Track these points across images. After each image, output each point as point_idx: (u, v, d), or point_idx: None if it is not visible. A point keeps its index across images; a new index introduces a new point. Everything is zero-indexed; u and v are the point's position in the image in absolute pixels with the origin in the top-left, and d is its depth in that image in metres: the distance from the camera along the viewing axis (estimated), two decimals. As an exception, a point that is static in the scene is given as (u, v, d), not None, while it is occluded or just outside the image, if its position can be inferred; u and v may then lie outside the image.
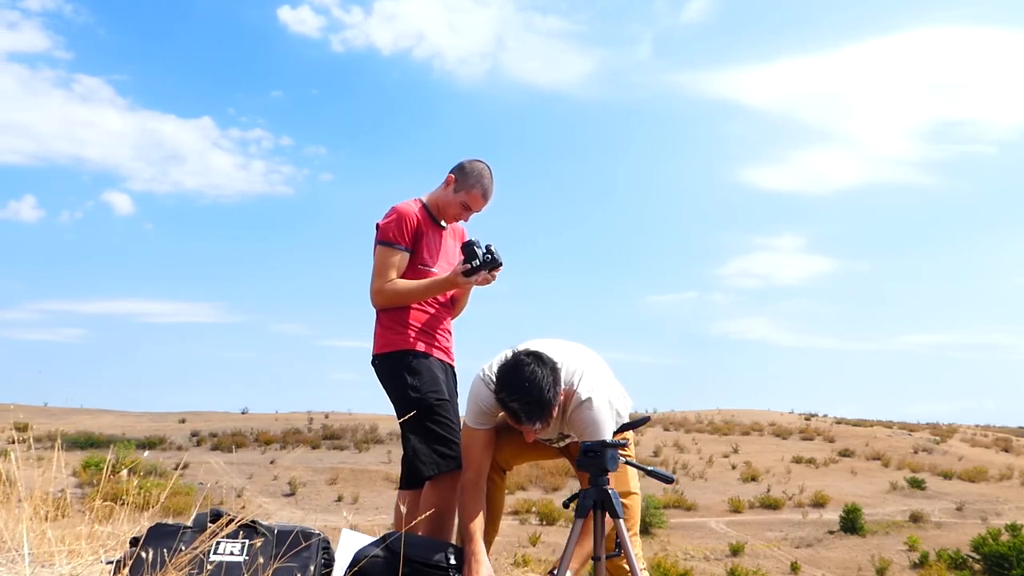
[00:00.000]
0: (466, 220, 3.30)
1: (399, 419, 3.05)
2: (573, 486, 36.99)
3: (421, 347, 3.11)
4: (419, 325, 3.13)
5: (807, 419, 72.20)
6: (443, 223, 3.33)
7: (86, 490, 23.58)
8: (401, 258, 3.11)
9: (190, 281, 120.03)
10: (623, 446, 2.58)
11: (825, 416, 75.91)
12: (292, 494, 36.50)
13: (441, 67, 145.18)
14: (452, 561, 2.65)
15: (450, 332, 3.32)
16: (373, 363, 3.17)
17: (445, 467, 2.97)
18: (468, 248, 3.06)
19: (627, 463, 2.62)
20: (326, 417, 64.76)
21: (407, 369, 3.05)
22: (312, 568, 2.49)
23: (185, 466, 36.55)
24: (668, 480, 2.89)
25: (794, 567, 29.11)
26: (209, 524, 2.50)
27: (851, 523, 35.30)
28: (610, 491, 2.47)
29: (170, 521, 2.70)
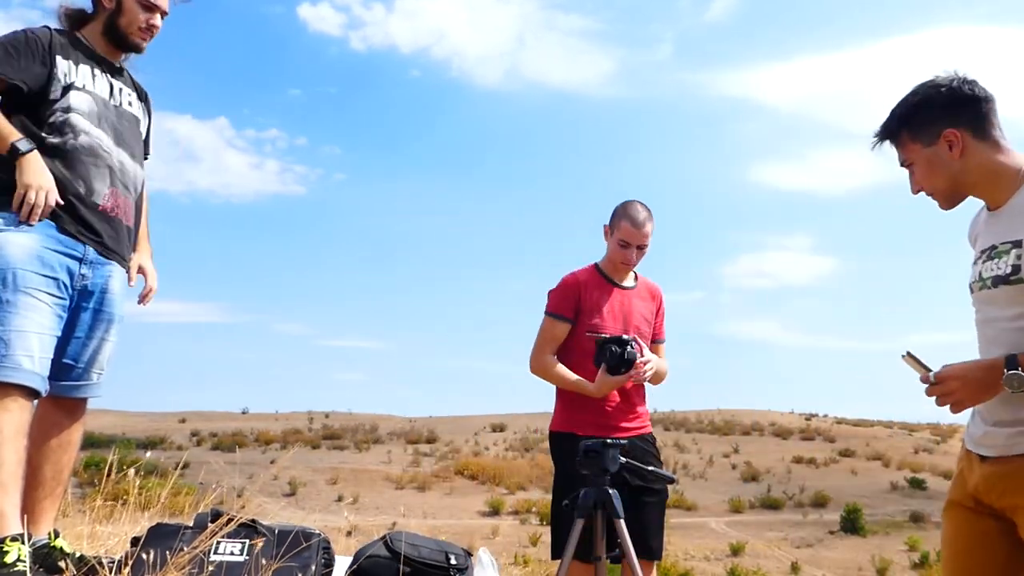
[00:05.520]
0: (634, 259, 3.17)
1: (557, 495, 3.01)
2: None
3: (591, 433, 3.02)
4: (594, 410, 3.10)
5: (807, 419, 72.27)
6: (621, 282, 3.24)
7: (86, 490, 23.57)
8: (561, 330, 3.15)
9: (196, 281, 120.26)
10: (623, 445, 2.59)
11: (825, 416, 75.96)
12: (292, 494, 36.51)
13: (460, 66, 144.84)
14: (453, 561, 2.66)
15: (636, 413, 3.21)
16: (550, 436, 3.23)
17: None
18: (606, 350, 3.01)
19: (628, 463, 2.62)
20: (326, 417, 64.91)
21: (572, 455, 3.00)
22: (313, 568, 2.50)
23: (185, 466, 36.51)
24: (669, 480, 2.90)
25: (794, 567, 29.10)
26: (209, 524, 2.50)
27: (851, 523, 35.34)
28: (610, 491, 2.48)
29: (171, 521, 2.70)
